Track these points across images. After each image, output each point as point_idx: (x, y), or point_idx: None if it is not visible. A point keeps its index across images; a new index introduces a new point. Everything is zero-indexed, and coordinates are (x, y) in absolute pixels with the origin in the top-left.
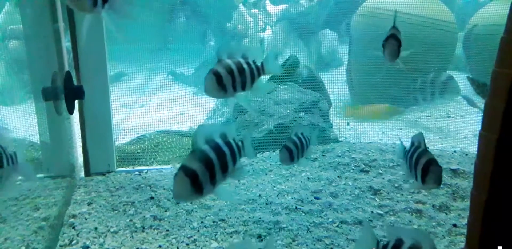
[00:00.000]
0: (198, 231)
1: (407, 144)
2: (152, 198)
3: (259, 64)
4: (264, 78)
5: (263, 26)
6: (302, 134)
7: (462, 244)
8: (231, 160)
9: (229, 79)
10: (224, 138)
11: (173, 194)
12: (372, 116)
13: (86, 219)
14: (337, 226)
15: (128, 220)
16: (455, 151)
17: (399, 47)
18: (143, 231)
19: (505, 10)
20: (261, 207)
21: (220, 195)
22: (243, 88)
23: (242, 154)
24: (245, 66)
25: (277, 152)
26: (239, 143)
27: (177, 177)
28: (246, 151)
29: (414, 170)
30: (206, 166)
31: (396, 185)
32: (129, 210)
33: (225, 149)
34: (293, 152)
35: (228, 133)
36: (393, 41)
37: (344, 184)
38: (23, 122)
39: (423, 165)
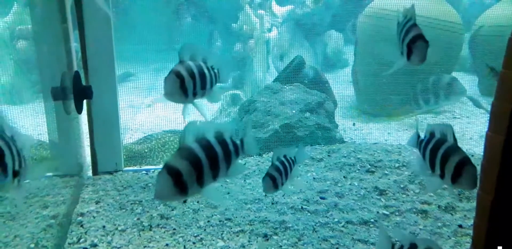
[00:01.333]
0: (205, 230)
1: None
2: None
3: (216, 70)
4: (269, 78)
5: (269, 27)
6: (285, 156)
7: (468, 245)
8: (223, 160)
9: (190, 84)
10: (219, 136)
11: (154, 193)
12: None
13: (94, 217)
14: (343, 226)
15: (135, 219)
16: None
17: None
18: (150, 230)
19: (511, 11)
20: (267, 207)
21: (209, 196)
22: (202, 94)
23: (242, 151)
24: (206, 71)
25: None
26: (237, 142)
27: (159, 175)
28: (247, 147)
29: (441, 167)
30: (192, 165)
31: (402, 186)
32: (136, 209)
33: (217, 147)
34: (277, 179)
35: (224, 131)
36: (422, 43)
37: (350, 184)
38: (31, 122)
39: (455, 163)
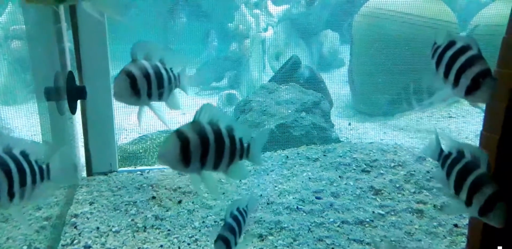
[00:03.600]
0: (200, 230)
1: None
2: (153, 197)
3: (176, 73)
4: (265, 78)
5: (265, 27)
6: (237, 208)
7: (464, 244)
8: (228, 153)
9: (144, 84)
10: (230, 130)
11: (158, 157)
12: None
13: (88, 218)
14: (338, 226)
15: (129, 220)
16: None
17: None
18: (144, 231)
19: (506, 11)
20: (262, 207)
21: (206, 182)
22: (160, 97)
23: (246, 156)
24: (163, 71)
25: (279, 152)
26: (245, 145)
27: (168, 138)
28: (252, 154)
29: (468, 196)
30: (200, 139)
31: (398, 185)
32: (131, 210)
33: (226, 139)
34: (231, 242)
35: (237, 129)
36: (491, 81)
37: (345, 184)
38: (25, 122)
39: (487, 196)
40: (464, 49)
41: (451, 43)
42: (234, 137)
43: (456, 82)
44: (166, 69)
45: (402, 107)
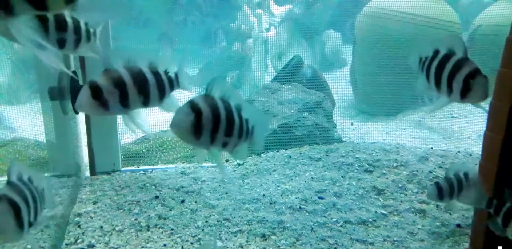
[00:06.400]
0: (203, 230)
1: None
2: (157, 197)
3: (172, 75)
4: (267, 78)
5: (267, 27)
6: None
7: (466, 245)
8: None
9: (114, 93)
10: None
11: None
12: None
13: (91, 217)
14: (341, 226)
15: (133, 219)
16: (459, 151)
17: None
18: (148, 230)
19: (509, 11)
20: (265, 207)
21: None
22: (145, 103)
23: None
24: (148, 76)
25: (281, 151)
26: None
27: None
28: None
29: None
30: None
31: (400, 185)
32: (134, 209)
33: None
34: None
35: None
36: (482, 79)
37: (348, 184)
38: (29, 122)
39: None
40: (447, 56)
41: (435, 53)
42: (242, 118)
43: (449, 89)
44: (157, 73)
45: (417, 103)
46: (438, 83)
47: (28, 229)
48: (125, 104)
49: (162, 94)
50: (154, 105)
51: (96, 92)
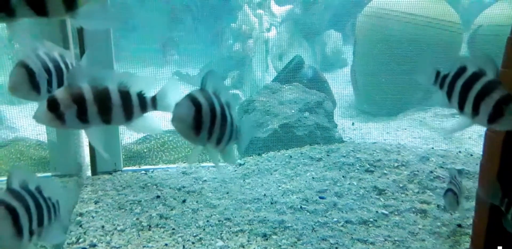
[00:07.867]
0: (204, 229)
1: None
2: (158, 196)
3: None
4: (268, 78)
5: (268, 27)
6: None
7: (467, 245)
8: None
9: (71, 107)
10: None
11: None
12: None
13: (93, 217)
14: (342, 226)
15: (134, 219)
16: (460, 152)
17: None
18: (149, 230)
19: (510, 11)
20: (266, 207)
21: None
22: (107, 121)
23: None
24: (113, 94)
25: (282, 151)
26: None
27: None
28: (240, 138)
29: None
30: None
31: (401, 185)
32: (135, 209)
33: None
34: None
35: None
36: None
37: (349, 183)
38: (30, 122)
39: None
40: (476, 75)
41: (461, 70)
42: (232, 114)
43: (474, 111)
44: (126, 93)
45: (432, 102)
46: (461, 103)
47: (29, 238)
48: (83, 119)
49: (128, 114)
50: (118, 124)
51: (53, 105)
